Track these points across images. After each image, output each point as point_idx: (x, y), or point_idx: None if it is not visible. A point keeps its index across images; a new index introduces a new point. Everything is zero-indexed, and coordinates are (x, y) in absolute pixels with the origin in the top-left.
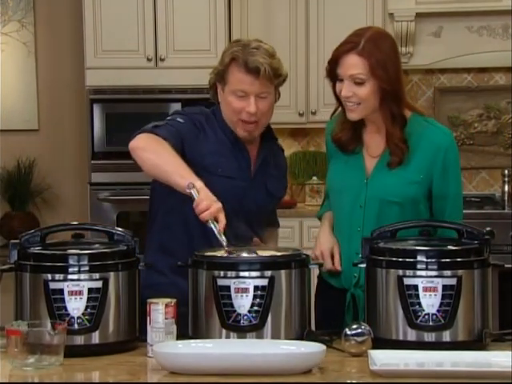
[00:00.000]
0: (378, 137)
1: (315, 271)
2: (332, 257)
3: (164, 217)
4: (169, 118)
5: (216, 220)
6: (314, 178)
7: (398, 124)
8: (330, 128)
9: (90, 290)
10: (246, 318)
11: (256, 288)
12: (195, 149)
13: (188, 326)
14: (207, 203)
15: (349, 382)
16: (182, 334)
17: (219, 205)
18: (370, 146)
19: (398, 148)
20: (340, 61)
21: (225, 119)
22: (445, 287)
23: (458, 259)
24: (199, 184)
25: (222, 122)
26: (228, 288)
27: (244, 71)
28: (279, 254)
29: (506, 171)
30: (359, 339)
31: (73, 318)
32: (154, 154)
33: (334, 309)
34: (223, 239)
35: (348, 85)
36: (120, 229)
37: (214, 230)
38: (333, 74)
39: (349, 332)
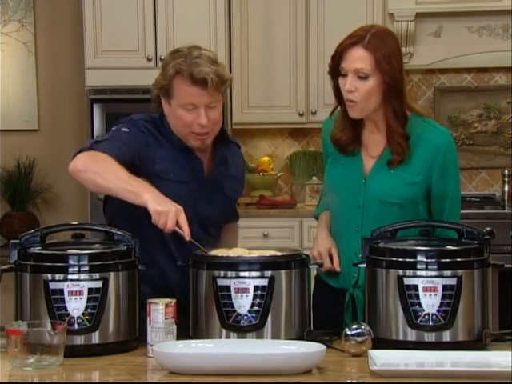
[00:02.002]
0: (377, 137)
1: (313, 271)
2: (330, 257)
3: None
4: (113, 128)
5: (178, 226)
6: (314, 178)
7: (399, 121)
8: (327, 128)
9: (90, 290)
10: (245, 317)
11: (256, 288)
12: (145, 155)
13: (188, 326)
14: (163, 219)
15: (349, 382)
16: (182, 334)
17: (173, 211)
18: (369, 146)
19: (400, 146)
20: (345, 54)
21: (173, 130)
22: (445, 287)
23: (458, 259)
24: (147, 197)
25: (169, 130)
26: (228, 288)
27: (190, 84)
28: (279, 254)
29: (506, 171)
30: (359, 339)
31: (73, 318)
32: (95, 174)
33: (332, 309)
34: (195, 242)
35: (352, 79)
36: (120, 229)
37: (184, 236)
38: (335, 69)
39: (349, 332)
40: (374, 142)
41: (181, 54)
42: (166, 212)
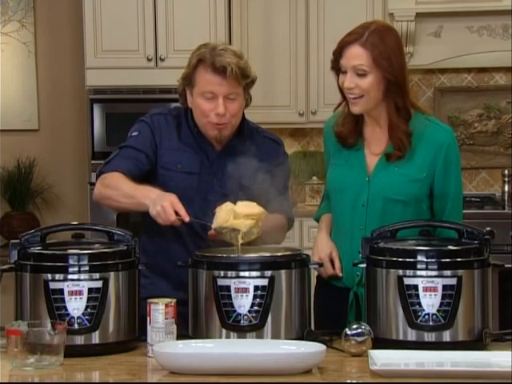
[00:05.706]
0: (379, 133)
1: (314, 272)
2: (332, 262)
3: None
4: (129, 134)
5: (177, 213)
6: (314, 177)
7: (402, 117)
8: (329, 127)
9: (90, 290)
10: (245, 317)
11: (256, 288)
12: (154, 151)
13: (188, 326)
14: (163, 217)
15: (349, 381)
16: (181, 334)
17: (166, 206)
18: (371, 143)
19: (401, 142)
20: (343, 51)
21: (196, 122)
22: (445, 287)
23: (458, 259)
24: (148, 204)
25: (192, 121)
26: (228, 288)
27: (211, 71)
28: (279, 254)
29: (506, 171)
30: (359, 339)
31: (73, 317)
32: (108, 199)
33: (335, 308)
34: (196, 220)
35: (351, 76)
36: (120, 229)
37: (186, 220)
38: (337, 65)
39: (349, 332)
40: (377, 139)
41: (207, 45)
42: (162, 210)
